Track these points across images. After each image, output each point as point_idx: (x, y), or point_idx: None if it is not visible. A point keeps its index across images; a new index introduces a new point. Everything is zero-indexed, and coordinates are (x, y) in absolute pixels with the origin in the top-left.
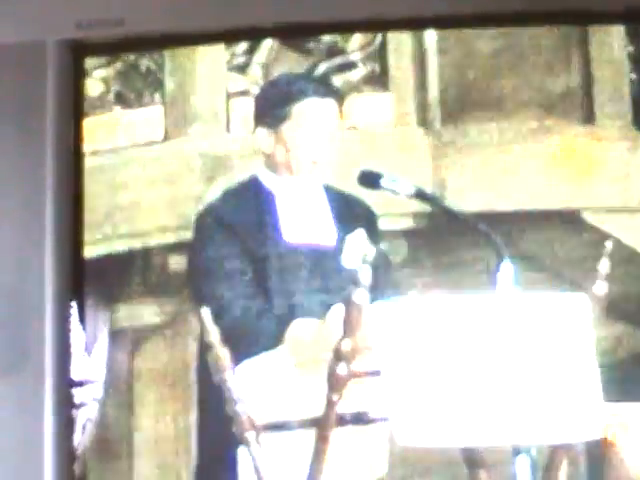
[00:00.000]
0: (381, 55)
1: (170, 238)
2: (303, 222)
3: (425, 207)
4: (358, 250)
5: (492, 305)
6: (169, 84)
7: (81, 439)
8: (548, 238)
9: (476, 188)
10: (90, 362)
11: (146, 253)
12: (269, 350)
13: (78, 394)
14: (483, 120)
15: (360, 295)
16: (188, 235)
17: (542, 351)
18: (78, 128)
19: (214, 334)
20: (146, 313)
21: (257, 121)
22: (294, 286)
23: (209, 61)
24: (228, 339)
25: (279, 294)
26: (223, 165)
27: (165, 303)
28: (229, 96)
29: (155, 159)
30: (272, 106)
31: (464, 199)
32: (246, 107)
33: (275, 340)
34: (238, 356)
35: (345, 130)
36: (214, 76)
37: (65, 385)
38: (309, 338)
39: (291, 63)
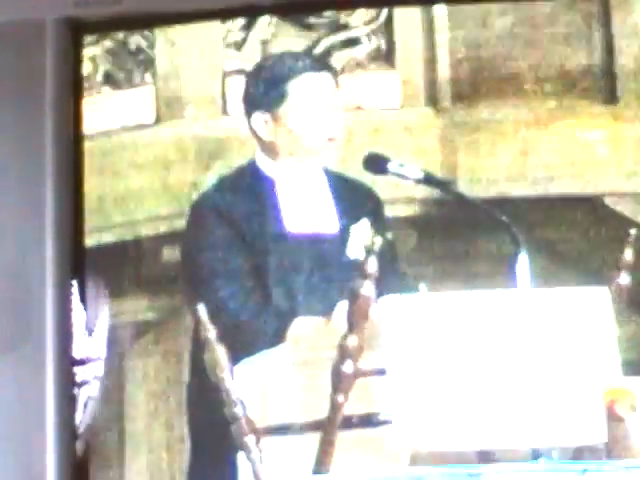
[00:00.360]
0: (387, 30)
1: (163, 228)
2: (305, 210)
3: (435, 193)
4: (363, 239)
5: (508, 300)
6: (160, 63)
7: (83, 417)
8: (568, 226)
9: (490, 172)
10: (91, 340)
11: (137, 244)
12: (269, 348)
13: (80, 372)
14: (497, 99)
15: (366, 288)
16: (182, 224)
17: (560, 350)
18: (77, 107)
19: (211, 332)
20: (138, 309)
21: (251, 106)
22: (296, 279)
23: (203, 38)
24: (225, 337)
25: (280, 288)
26: (219, 149)
27: (158, 298)
28: (225, 75)
29: (146, 144)
30: (266, 88)
31: (477, 184)
32: (244, 86)
33: (276, 337)
34: (236, 355)
35: (348, 110)
36: (209, 54)
37: (67, 364)
38: (312, 335)
39: (291, 39)
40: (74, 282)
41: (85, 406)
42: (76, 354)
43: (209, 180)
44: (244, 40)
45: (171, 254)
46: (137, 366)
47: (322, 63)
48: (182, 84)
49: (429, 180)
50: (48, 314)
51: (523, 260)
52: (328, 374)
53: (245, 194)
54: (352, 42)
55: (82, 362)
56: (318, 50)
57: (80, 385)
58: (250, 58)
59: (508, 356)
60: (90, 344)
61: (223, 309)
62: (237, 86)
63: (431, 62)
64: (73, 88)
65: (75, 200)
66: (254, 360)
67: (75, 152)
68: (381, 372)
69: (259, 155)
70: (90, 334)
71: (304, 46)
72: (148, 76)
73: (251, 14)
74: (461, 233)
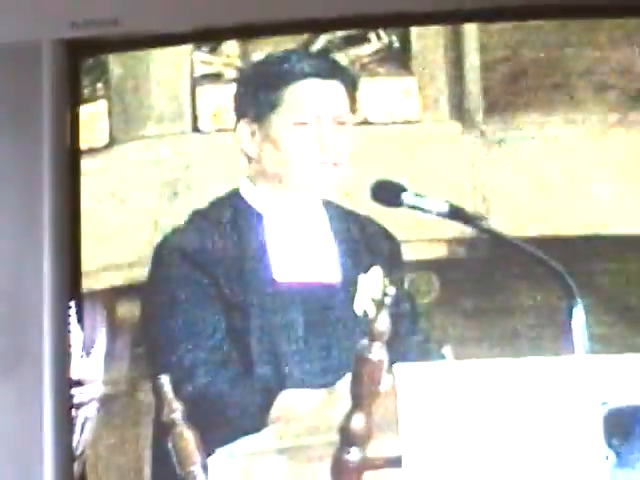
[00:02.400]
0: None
1: (118, 279)
2: (299, 253)
3: (463, 230)
4: (373, 290)
5: (560, 370)
6: (114, 69)
7: (80, 439)
8: (635, 272)
9: (533, 204)
10: (89, 362)
11: (86, 299)
12: (250, 433)
13: (77, 394)
14: (541, 112)
15: (375, 352)
16: (141, 274)
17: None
18: (75, 127)
19: (177, 412)
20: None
21: (238, 113)
22: (286, 342)
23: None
24: (195, 418)
25: (265, 353)
26: (189, 177)
27: (111, 368)
28: (195, 82)
29: (97, 172)
30: (257, 90)
31: (516, 219)
32: (219, 97)
33: (260, 418)
34: (210, 442)
35: (354, 126)
36: (174, 57)
37: (64, 385)
38: (306, 414)
39: (280, 36)
40: (71, 303)
41: (82, 427)
42: (74, 375)
43: (176, 217)
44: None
45: (127, 312)
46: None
47: (334, 68)
48: (141, 96)
49: (455, 214)
50: (45, 335)
51: (579, 317)
52: (327, 465)
53: (224, 233)
54: (357, 39)
55: (79, 383)
56: (314, 48)
57: (78, 407)
58: (227, 61)
59: (559, 442)
60: (88, 365)
61: (191, 382)
62: (210, 96)
63: (457, 65)
64: (70, 109)
65: (73, 220)
66: (232, 448)
67: (73, 172)
68: (396, 462)
69: (244, 182)
70: (88, 355)
71: (297, 44)
72: (100, 87)
73: (253, 34)
74: (497, 282)
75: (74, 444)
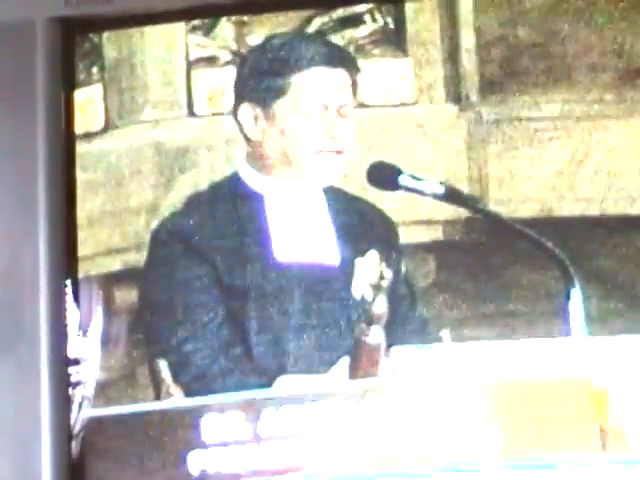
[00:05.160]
0: (396, 5)
1: (115, 264)
2: (299, 235)
3: (459, 212)
4: (371, 273)
5: (557, 352)
6: (109, 53)
7: (78, 417)
8: (634, 254)
9: (530, 185)
10: (85, 340)
11: (83, 285)
12: None
13: (74, 373)
14: (538, 92)
15: (373, 335)
16: (138, 259)
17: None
18: (69, 106)
19: (176, 396)
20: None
21: (240, 96)
22: (283, 326)
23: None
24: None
25: (264, 338)
26: (186, 161)
27: (108, 354)
28: (190, 66)
29: (94, 156)
30: (263, 75)
31: (513, 200)
32: (214, 80)
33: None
34: None
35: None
36: (169, 40)
37: (61, 364)
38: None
39: (275, 19)
40: (67, 282)
41: (80, 406)
42: (70, 354)
43: (174, 201)
44: (214, 22)
45: (125, 296)
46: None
47: (341, 57)
48: (136, 80)
49: (452, 196)
50: (42, 314)
51: (576, 299)
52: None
53: (222, 217)
54: (351, 20)
55: (76, 362)
56: (309, 30)
57: (75, 385)
58: (222, 44)
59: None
60: (85, 344)
61: (189, 367)
62: (206, 79)
63: (453, 45)
64: (65, 90)
65: (68, 200)
66: None
67: (67, 152)
68: None
69: (243, 166)
70: (84, 334)
71: (292, 26)
72: (95, 71)
73: (253, 10)
74: (494, 264)
75: (71, 422)
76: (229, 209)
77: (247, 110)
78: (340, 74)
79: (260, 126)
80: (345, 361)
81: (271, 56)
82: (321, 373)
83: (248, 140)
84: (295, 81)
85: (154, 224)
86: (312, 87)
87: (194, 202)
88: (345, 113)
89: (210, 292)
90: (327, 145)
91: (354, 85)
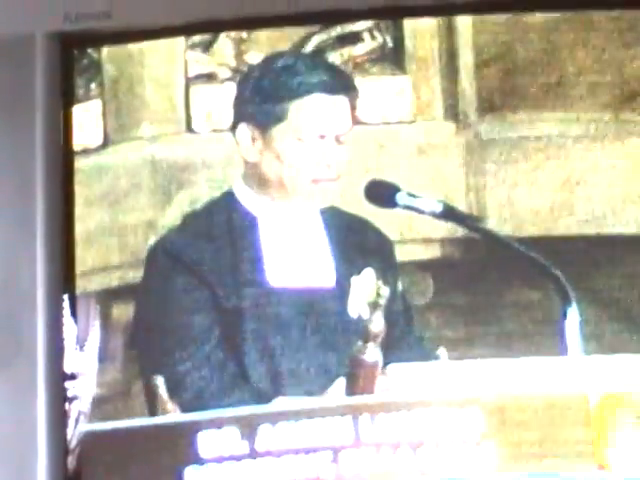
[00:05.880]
0: (395, 24)
1: (112, 280)
2: (294, 257)
3: (457, 231)
4: (367, 292)
5: (554, 370)
6: (108, 69)
7: (74, 432)
8: (630, 274)
9: (527, 204)
10: (83, 356)
11: (81, 300)
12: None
13: (71, 387)
14: (536, 111)
15: (370, 354)
16: (135, 276)
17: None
18: (68, 122)
19: (172, 412)
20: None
21: (239, 116)
22: (279, 347)
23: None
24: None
25: (259, 359)
26: (184, 178)
27: (107, 368)
28: (189, 83)
29: (92, 172)
30: (263, 98)
31: (511, 219)
32: (213, 97)
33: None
34: None
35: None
36: (168, 56)
37: (58, 379)
38: None
39: (274, 35)
40: (65, 296)
41: (76, 421)
42: (67, 369)
43: (170, 218)
44: (213, 38)
45: (122, 313)
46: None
47: (342, 82)
48: (135, 96)
49: (450, 214)
50: (39, 329)
51: (573, 318)
52: None
53: (218, 236)
54: (350, 38)
55: (73, 377)
56: (308, 48)
57: (71, 400)
58: (220, 60)
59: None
60: (81, 359)
61: (182, 388)
62: (205, 96)
63: (451, 64)
64: (64, 105)
65: (66, 215)
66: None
67: (66, 167)
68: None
69: (239, 185)
70: (81, 349)
71: (291, 44)
72: (94, 87)
73: (250, 26)
74: (491, 283)
75: (68, 437)
76: (224, 229)
77: (245, 131)
78: (340, 100)
79: (257, 148)
80: (342, 381)
81: (272, 79)
82: (318, 394)
83: (245, 160)
84: (294, 107)
85: (151, 241)
86: (311, 115)
87: (190, 221)
88: (343, 140)
89: (206, 312)
90: (323, 173)
91: (353, 109)
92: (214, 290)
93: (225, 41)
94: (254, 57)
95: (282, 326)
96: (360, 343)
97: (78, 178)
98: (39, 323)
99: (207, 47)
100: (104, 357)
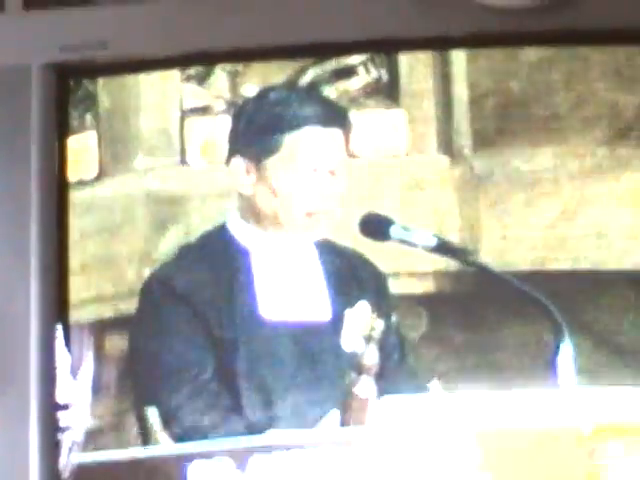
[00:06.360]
0: (390, 58)
1: (106, 312)
2: (287, 291)
3: (451, 265)
4: (361, 324)
5: (547, 403)
6: (103, 101)
7: (67, 463)
8: (626, 310)
9: (521, 238)
10: (75, 385)
11: (75, 330)
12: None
13: (63, 417)
14: (531, 145)
15: (364, 386)
16: (129, 307)
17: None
18: (62, 153)
19: (165, 444)
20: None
21: (233, 149)
22: (273, 381)
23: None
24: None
25: (253, 393)
26: (178, 211)
27: (99, 399)
28: (184, 115)
29: (87, 203)
30: (257, 131)
31: (505, 253)
32: (207, 130)
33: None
34: None
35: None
36: (163, 89)
37: (51, 408)
38: None
39: (269, 69)
40: (58, 326)
41: (69, 451)
42: (60, 399)
43: (164, 250)
44: (208, 71)
45: (115, 344)
46: None
47: (337, 116)
48: (130, 128)
49: (443, 248)
50: (32, 358)
51: (566, 352)
52: None
53: (212, 269)
54: (345, 72)
55: (66, 407)
56: (303, 82)
57: (64, 430)
58: (216, 93)
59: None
60: (74, 389)
61: (175, 421)
62: (200, 129)
63: (446, 98)
64: (59, 136)
65: (60, 246)
66: None
67: (60, 199)
68: None
69: (233, 217)
70: (74, 378)
71: (285, 77)
72: (89, 118)
73: (245, 58)
74: (485, 316)
75: (60, 468)
76: (219, 262)
77: (239, 163)
78: (334, 133)
79: (251, 180)
80: (335, 413)
81: (266, 112)
82: (311, 427)
83: (240, 193)
84: (288, 140)
85: (145, 273)
86: (305, 148)
87: (185, 253)
88: (337, 173)
89: (200, 346)
90: (318, 206)
91: (347, 142)
92: (208, 322)
93: (220, 74)
94: (249, 90)
95: (276, 359)
96: (354, 375)
97: (73, 209)
98: (32, 352)
99: (203, 79)
100: (97, 387)
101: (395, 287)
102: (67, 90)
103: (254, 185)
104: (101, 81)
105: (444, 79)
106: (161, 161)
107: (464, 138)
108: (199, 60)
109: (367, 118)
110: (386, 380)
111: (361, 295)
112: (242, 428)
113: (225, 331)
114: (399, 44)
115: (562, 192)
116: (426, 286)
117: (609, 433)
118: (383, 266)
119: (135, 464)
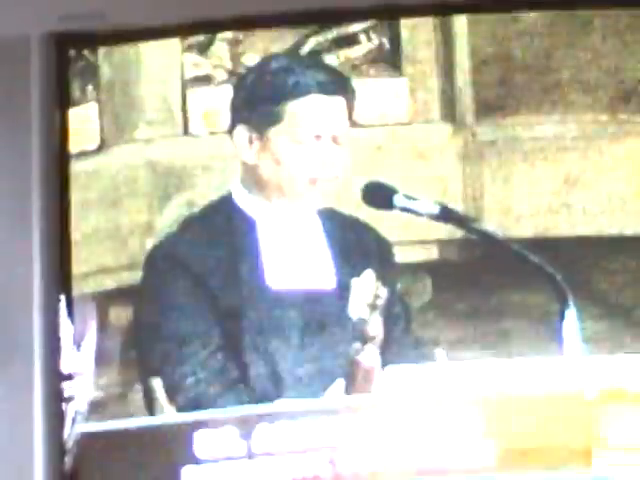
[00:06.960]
0: (392, 26)
1: (109, 283)
2: (293, 260)
3: (454, 232)
4: (366, 294)
5: (552, 370)
6: (104, 72)
7: (71, 432)
8: (628, 274)
9: (525, 205)
10: (79, 355)
11: (79, 302)
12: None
13: (67, 387)
14: (533, 112)
15: (368, 355)
16: (133, 278)
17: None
18: (64, 125)
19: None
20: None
21: (236, 118)
22: (278, 350)
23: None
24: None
25: (259, 362)
26: (181, 181)
27: (104, 369)
28: (185, 85)
29: (89, 175)
30: (260, 100)
31: (509, 220)
32: (209, 99)
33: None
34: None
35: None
36: (164, 59)
37: (54, 379)
38: None
39: (270, 37)
40: (61, 296)
41: (73, 421)
42: (64, 369)
43: (168, 221)
44: (209, 41)
45: (119, 315)
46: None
47: (339, 83)
48: (131, 98)
49: (447, 216)
50: (35, 329)
51: (571, 318)
52: None
53: (216, 239)
54: (347, 40)
55: (70, 377)
56: (304, 50)
57: (68, 400)
58: (217, 62)
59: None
60: (78, 359)
61: (180, 392)
62: (201, 98)
63: (448, 65)
64: (60, 107)
65: (62, 218)
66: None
67: (62, 170)
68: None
69: (237, 187)
70: (78, 348)
71: (287, 46)
72: (90, 89)
73: (243, 27)
74: (489, 283)
75: (65, 437)
76: (223, 233)
77: (242, 133)
78: (337, 101)
79: (255, 149)
80: (340, 383)
81: (268, 81)
82: (317, 396)
83: (243, 162)
84: (291, 109)
85: (149, 244)
86: (308, 116)
87: (188, 224)
88: (340, 141)
89: (205, 317)
90: (321, 173)
91: (350, 110)
92: (214, 293)
93: (221, 43)
94: (250, 59)
95: (282, 328)
96: (358, 345)
97: (75, 181)
98: (36, 324)
99: (203, 49)
100: (101, 358)
101: (399, 256)
102: (67, 61)
103: (257, 154)
104: (101, 52)
105: (446, 47)
106: (163, 131)
107: (467, 105)
108: (199, 29)
109: (369, 86)
110: (391, 349)
111: (366, 263)
112: (248, 397)
113: (231, 301)
114: (400, 10)
115: (565, 158)
116: (430, 254)
117: (613, 398)
118: (387, 235)
119: (140, 433)
